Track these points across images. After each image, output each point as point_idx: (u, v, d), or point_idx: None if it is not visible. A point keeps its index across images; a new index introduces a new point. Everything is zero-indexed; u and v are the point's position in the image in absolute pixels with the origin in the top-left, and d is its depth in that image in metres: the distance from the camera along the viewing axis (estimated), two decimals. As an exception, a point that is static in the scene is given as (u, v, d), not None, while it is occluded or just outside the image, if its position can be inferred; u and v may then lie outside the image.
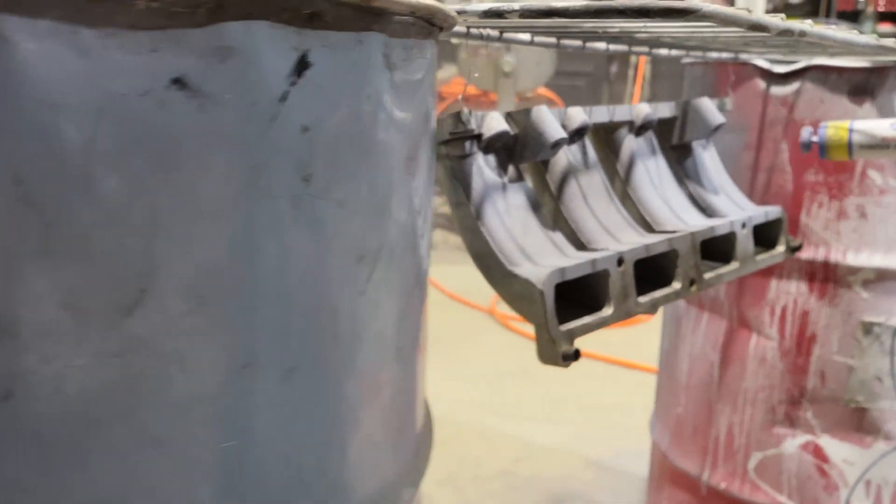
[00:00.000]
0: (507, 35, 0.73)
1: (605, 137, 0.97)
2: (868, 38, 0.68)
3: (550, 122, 0.79)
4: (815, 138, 0.95)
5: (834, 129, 0.93)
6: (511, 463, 1.91)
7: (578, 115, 0.87)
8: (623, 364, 2.54)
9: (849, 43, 0.65)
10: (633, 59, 5.02)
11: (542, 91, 3.94)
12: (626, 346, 2.68)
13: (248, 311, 0.32)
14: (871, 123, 0.91)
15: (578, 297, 0.81)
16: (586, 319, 0.77)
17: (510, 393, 2.30)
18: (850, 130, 0.91)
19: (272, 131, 0.31)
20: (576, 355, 0.73)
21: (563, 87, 4.67)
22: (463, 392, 2.30)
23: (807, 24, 0.53)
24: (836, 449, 1.22)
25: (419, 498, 0.48)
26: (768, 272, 1.22)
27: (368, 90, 0.36)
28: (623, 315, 0.80)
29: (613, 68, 5.19)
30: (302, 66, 0.32)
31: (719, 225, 0.94)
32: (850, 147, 0.91)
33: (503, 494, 1.78)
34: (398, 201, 0.40)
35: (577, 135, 0.89)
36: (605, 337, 2.79)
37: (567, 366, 0.73)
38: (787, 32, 0.50)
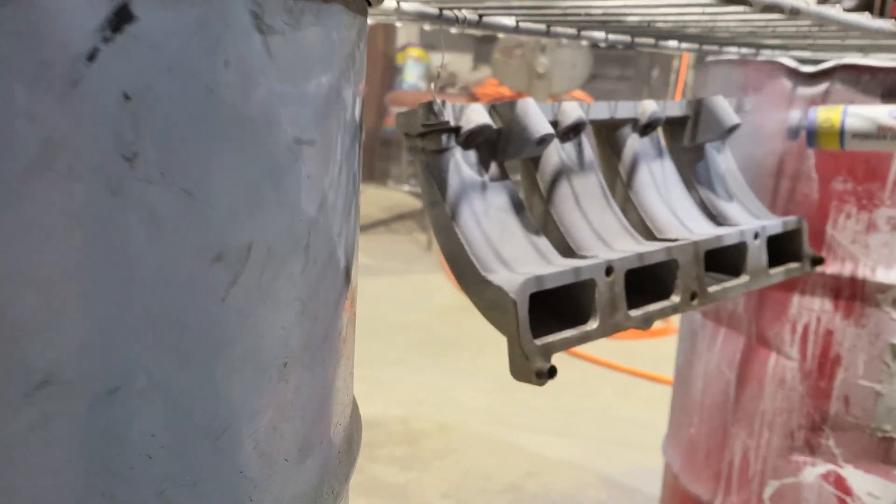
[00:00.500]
0: (487, 20, 0.66)
1: (607, 136, 0.90)
2: (883, 23, 0.59)
3: (536, 115, 0.73)
4: (804, 122, 0.85)
5: (826, 113, 0.82)
6: (520, 477, 1.84)
7: (573, 111, 0.80)
8: (646, 376, 2.45)
9: (858, 26, 0.57)
10: (675, 63, 4.90)
11: (578, 94, 3.85)
12: (655, 357, 2.59)
13: (42, 317, 0.26)
14: (867, 109, 0.81)
15: (563, 309, 0.74)
16: (566, 333, 0.70)
17: (525, 403, 2.23)
18: (844, 115, 0.80)
19: (74, 98, 0.25)
20: (551, 373, 0.66)
21: (601, 90, 4.57)
22: (476, 400, 2.23)
23: (801, 2, 0.46)
24: (860, 481, 1.13)
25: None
26: (790, 287, 1.13)
27: (226, 56, 0.29)
28: (610, 329, 0.73)
29: (655, 73, 5.07)
30: (120, 19, 0.26)
31: (727, 234, 0.86)
32: (842, 135, 0.80)
33: (510, 510, 1.71)
34: (283, 192, 0.34)
35: (572, 132, 0.82)
36: (633, 347, 2.71)
37: (541, 384, 0.67)
38: (773, 8, 0.42)
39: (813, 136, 0.84)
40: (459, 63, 5.03)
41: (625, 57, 4.93)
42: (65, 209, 0.26)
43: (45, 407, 0.27)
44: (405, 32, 5.46)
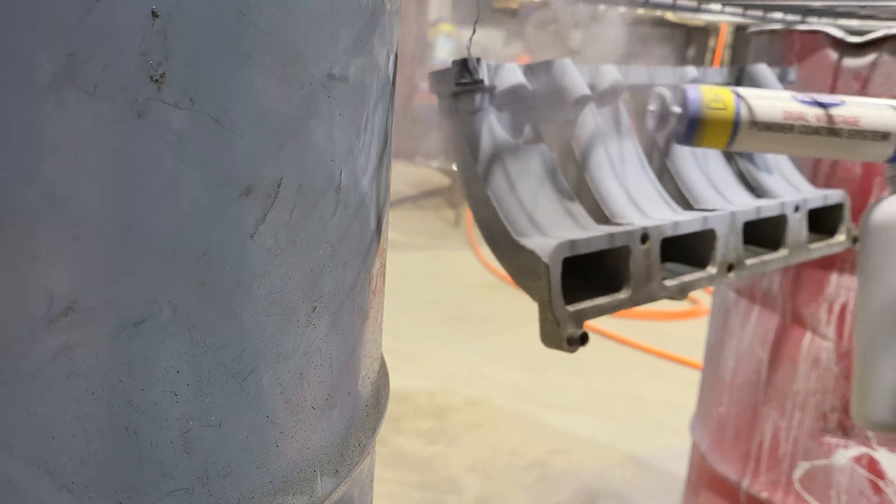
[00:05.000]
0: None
1: (645, 102, 0.87)
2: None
3: (574, 77, 0.71)
4: (677, 108, 0.60)
5: (713, 94, 0.58)
6: (547, 454, 1.83)
7: (611, 74, 0.78)
8: (676, 360, 2.42)
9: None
10: (711, 43, 4.81)
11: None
12: (686, 340, 2.56)
13: (65, 241, 0.25)
14: (765, 93, 0.60)
15: (596, 276, 0.73)
16: (599, 300, 0.68)
17: (555, 382, 2.22)
18: (737, 98, 0.58)
19: (99, 10, 0.24)
20: (583, 339, 0.65)
21: (636, 70, 4.50)
22: (504, 377, 2.22)
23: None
24: (894, 464, 1.10)
25: (352, 489, 0.41)
26: (828, 265, 1.10)
27: (258, -22, 0.28)
28: (644, 298, 0.71)
29: (690, 52, 4.99)
30: (149, -69, 0.25)
31: (767, 206, 0.84)
32: (735, 125, 0.57)
33: (535, 486, 1.70)
34: (315, 128, 0.32)
35: (609, 96, 0.80)
36: (663, 329, 2.68)
37: (572, 351, 0.65)
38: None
39: (695, 126, 0.58)
40: (491, 39, 4.98)
41: (660, 35, 4.86)
42: (90, 129, 0.25)
43: (69, 335, 0.26)
44: (437, 7, 5.42)
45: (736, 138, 0.59)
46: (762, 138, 0.59)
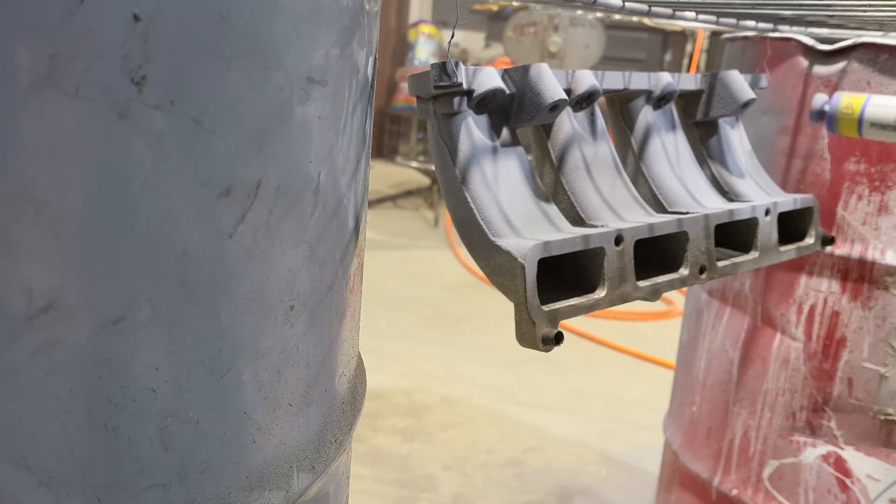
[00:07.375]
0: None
1: (620, 107, 0.89)
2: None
3: (550, 81, 0.72)
4: (827, 107, 0.86)
5: (848, 99, 0.84)
6: (523, 452, 1.84)
7: (587, 79, 0.79)
8: (650, 359, 2.45)
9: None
10: (688, 48, 4.86)
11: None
12: (660, 340, 2.59)
13: (45, 239, 0.25)
14: (891, 99, 0.82)
15: (571, 277, 0.74)
16: (573, 301, 0.69)
17: (531, 380, 2.23)
18: (865, 103, 0.82)
19: (81, 14, 0.25)
20: (557, 339, 0.66)
21: (613, 72, 4.53)
22: (482, 376, 2.23)
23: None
24: (860, 463, 1.12)
25: (328, 485, 0.42)
26: (797, 267, 1.13)
27: (240, -17, 0.29)
28: (618, 299, 0.72)
29: (667, 56, 5.04)
30: (132, -63, 0.25)
31: (739, 209, 0.85)
32: (860, 122, 0.82)
33: (511, 484, 1.71)
34: (294, 130, 0.33)
35: (585, 101, 0.81)
36: (640, 330, 2.71)
37: (547, 350, 0.66)
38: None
39: (833, 120, 0.86)
40: (471, 41, 4.99)
41: (637, 40, 4.90)
42: (71, 130, 0.25)
43: (48, 333, 0.26)
44: (418, 8, 5.42)
45: (862, 132, 0.83)
46: (882, 133, 0.82)
